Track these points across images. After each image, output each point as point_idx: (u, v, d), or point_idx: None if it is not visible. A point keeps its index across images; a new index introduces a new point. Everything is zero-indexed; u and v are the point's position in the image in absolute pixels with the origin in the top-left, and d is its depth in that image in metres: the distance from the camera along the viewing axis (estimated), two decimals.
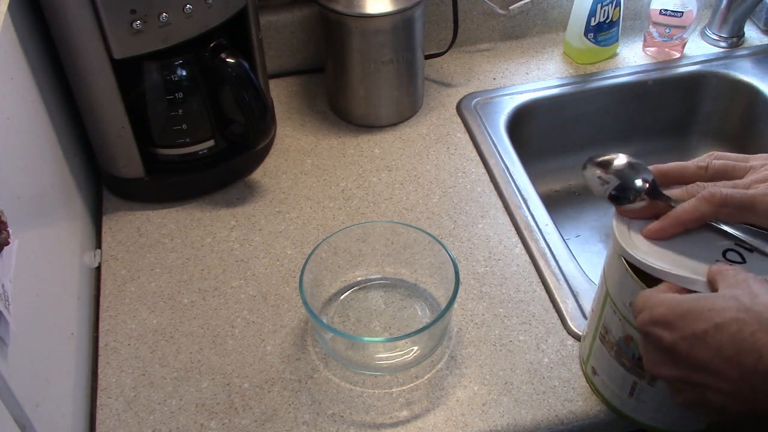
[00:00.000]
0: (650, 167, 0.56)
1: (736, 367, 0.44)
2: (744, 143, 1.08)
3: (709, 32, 1.11)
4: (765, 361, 0.43)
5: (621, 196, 0.55)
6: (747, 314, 0.44)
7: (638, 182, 0.55)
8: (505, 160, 0.91)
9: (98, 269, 0.81)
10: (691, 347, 0.46)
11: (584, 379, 0.68)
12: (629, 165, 0.56)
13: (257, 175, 0.91)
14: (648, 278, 0.53)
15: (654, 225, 0.54)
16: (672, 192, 0.55)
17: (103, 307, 0.76)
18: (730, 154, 0.57)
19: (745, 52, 1.08)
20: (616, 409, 0.64)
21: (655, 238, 0.54)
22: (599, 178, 0.56)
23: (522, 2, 1.09)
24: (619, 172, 0.56)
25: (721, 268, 0.49)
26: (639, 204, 0.55)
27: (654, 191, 0.54)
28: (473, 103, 1.00)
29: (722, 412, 0.48)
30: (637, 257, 0.53)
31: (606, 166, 0.57)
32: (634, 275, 0.53)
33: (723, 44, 1.09)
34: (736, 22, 1.08)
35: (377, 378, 0.69)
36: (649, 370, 0.50)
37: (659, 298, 0.49)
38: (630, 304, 0.54)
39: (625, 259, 0.54)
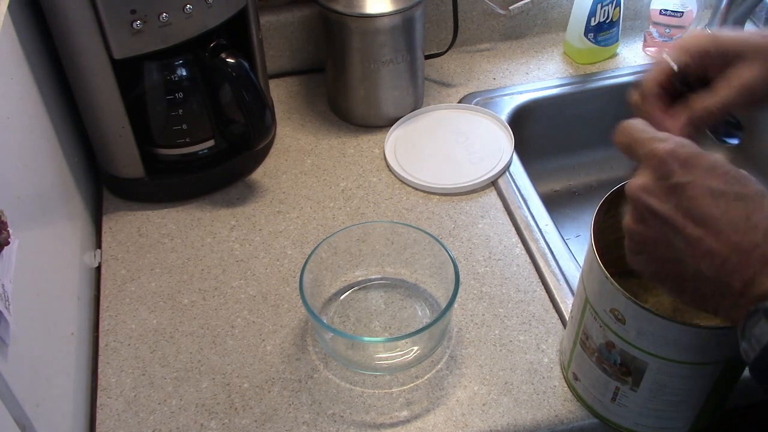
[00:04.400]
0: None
1: (738, 235, 0.42)
2: (743, 143, 1.08)
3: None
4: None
5: None
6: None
7: None
8: None
9: (98, 269, 0.81)
10: (702, 196, 0.43)
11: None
12: None
13: (257, 175, 0.91)
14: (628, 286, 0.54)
15: None
16: None
17: (103, 307, 0.76)
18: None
19: None
20: (599, 414, 0.64)
21: None
22: None
23: (522, 2, 1.09)
24: None
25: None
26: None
27: None
28: (473, 103, 1.00)
29: (667, 269, 0.46)
30: None
31: None
32: (614, 282, 0.54)
33: None
34: (736, 22, 1.08)
35: (377, 378, 0.69)
36: (637, 195, 0.46)
37: (680, 138, 0.46)
38: (611, 310, 0.55)
39: (604, 267, 0.55)
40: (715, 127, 0.58)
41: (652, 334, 0.53)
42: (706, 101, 0.51)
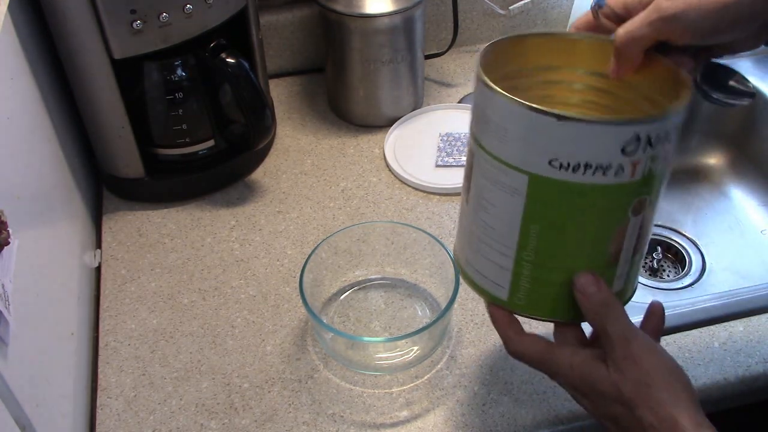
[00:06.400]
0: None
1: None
2: (744, 143, 1.08)
3: None
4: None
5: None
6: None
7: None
8: None
9: (98, 269, 0.81)
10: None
11: None
12: None
13: (257, 175, 0.91)
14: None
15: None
16: None
17: (103, 307, 0.76)
18: None
19: (744, 52, 1.08)
20: (497, 299, 0.55)
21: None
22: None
23: (522, 2, 1.09)
24: None
25: (612, 305, 0.51)
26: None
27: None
28: None
29: None
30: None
31: None
32: (485, 78, 0.49)
33: None
34: None
35: (377, 378, 0.69)
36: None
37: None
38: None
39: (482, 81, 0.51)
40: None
41: (483, 114, 0.50)
42: (626, 25, 0.53)
